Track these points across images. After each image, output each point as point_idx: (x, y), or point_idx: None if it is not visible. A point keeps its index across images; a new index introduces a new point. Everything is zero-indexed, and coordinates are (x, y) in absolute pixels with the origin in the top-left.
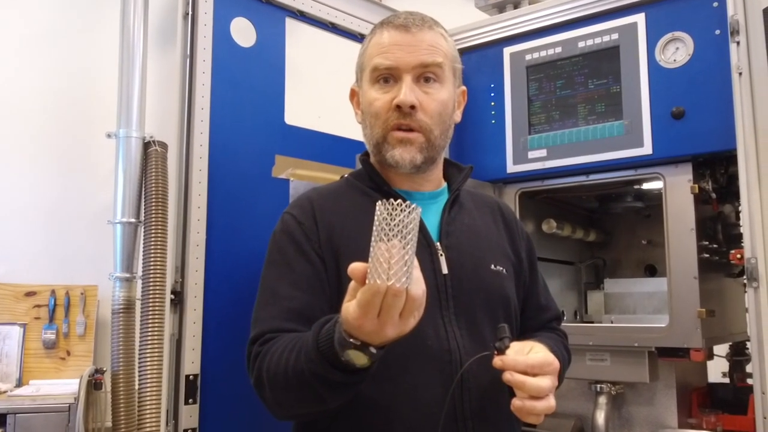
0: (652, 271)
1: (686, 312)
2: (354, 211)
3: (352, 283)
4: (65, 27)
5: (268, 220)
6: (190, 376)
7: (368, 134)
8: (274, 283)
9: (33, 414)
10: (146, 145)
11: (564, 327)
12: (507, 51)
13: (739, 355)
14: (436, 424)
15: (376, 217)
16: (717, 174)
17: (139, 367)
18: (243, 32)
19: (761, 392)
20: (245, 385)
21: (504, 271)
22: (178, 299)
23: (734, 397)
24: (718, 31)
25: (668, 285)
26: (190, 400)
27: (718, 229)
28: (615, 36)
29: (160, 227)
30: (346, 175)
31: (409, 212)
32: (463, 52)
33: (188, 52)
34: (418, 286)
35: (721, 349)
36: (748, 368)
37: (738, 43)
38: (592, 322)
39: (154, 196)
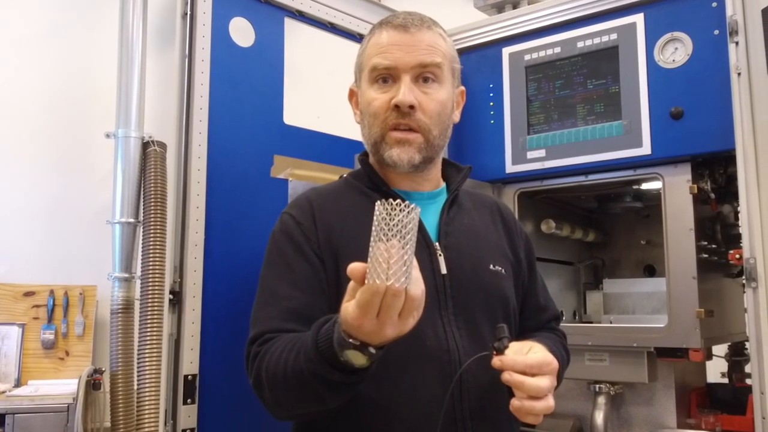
0: (651, 271)
1: (685, 312)
2: (353, 211)
3: (352, 283)
4: (64, 27)
5: (266, 220)
6: (189, 376)
7: (367, 134)
8: (274, 284)
9: (32, 414)
10: (145, 145)
11: (563, 327)
12: (506, 51)
13: (737, 356)
14: (435, 424)
15: (375, 217)
16: (716, 174)
17: (138, 367)
18: (242, 32)
19: (760, 392)
20: (244, 386)
21: (503, 271)
22: (177, 299)
23: (733, 397)
24: (717, 32)
25: (667, 285)
26: (189, 400)
27: (717, 230)
28: (614, 36)
29: (159, 227)
30: (344, 175)
31: (408, 212)
32: (462, 52)
33: (187, 52)
34: (417, 286)
35: (720, 349)
36: (747, 368)
37: (737, 43)
38: (591, 323)
39: (153, 196)
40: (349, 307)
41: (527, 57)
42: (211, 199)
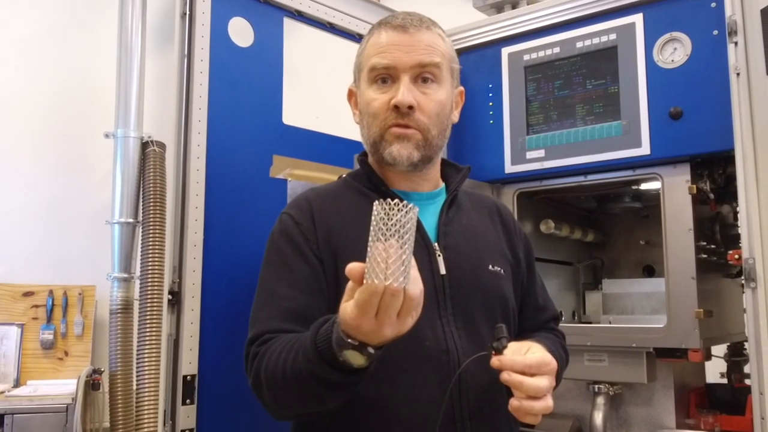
0: (650, 271)
1: (684, 312)
2: (352, 212)
3: (350, 283)
4: (63, 27)
5: (265, 220)
6: (188, 377)
7: (366, 134)
8: (273, 284)
9: (30, 414)
10: (144, 145)
11: (562, 327)
12: (505, 51)
13: (736, 356)
14: (434, 424)
15: (373, 217)
16: (715, 174)
17: (137, 367)
18: (241, 32)
19: (759, 393)
20: (243, 386)
21: (502, 271)
22: (176, 299)
23: (732, 397)
24: (716, 32)
25: (666, 285)
26: (188, 401)
27: (716, 230)
28: (613, 36)
29: (158, 227)
30: (343, 176)
31: (406, 212)
32: (461, 52)
33: (186, 52)
34: (415, 285)
35: (719, 349)
36: (746, 369)
37: (736, 43)
38: (590, 323)
39: (152, 197)
40: (347, 307)
41: (526, 57)
42: (210, 200)
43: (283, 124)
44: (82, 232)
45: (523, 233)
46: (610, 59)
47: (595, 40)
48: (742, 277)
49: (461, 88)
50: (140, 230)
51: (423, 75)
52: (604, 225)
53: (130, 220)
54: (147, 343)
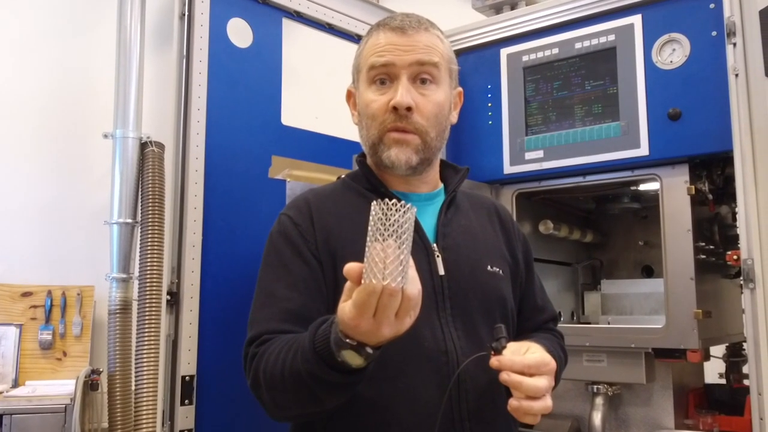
0: (648, 272)
1: (683, 313)
2: (351, 212)
3: (348, 284)
4: (62, 27)
5: (264, 221)
6: (187, 377)
7: (365, 135)
8: (271, 285)
9: (29, 415)
10: (143, 146)
11: (561, 328)
12: (504, 52)
13: (735, 356)
14: (433, 425)
15: (371, 218)
16: (713, 175)
17: (136, 367)
18: (239, 33)
19: (758, 393)
20: (242, 386)
21: (500, 272)
22: (175, 300)
23: (731, 398)
24: (714, 33)
25: (665, 286)
26: (186, 401)
27: (715, 231)
28: (612, 37)
29: (156, 228)
30: (342, 176)
31: (404, 212)
32: (460, 53)
33: (185, 53)
34: (413, 285)
35: (718, 350)
36: (745, 369)
37: (734, 44)
38: (589, 323)
39: (150, 197)
40: (345, 307)
41: (525, 58)
42: (209, 200)
43: (281, 124)
44: (81, 232)
45: (522, 234)
46: (608, 60)
47: (594, 41)
48: (741, 278)
49: (460, 88)
50: (139, 230)
51: (421, 76)
52: (603, 226)
53: (129, 221)
54: (146, 343)
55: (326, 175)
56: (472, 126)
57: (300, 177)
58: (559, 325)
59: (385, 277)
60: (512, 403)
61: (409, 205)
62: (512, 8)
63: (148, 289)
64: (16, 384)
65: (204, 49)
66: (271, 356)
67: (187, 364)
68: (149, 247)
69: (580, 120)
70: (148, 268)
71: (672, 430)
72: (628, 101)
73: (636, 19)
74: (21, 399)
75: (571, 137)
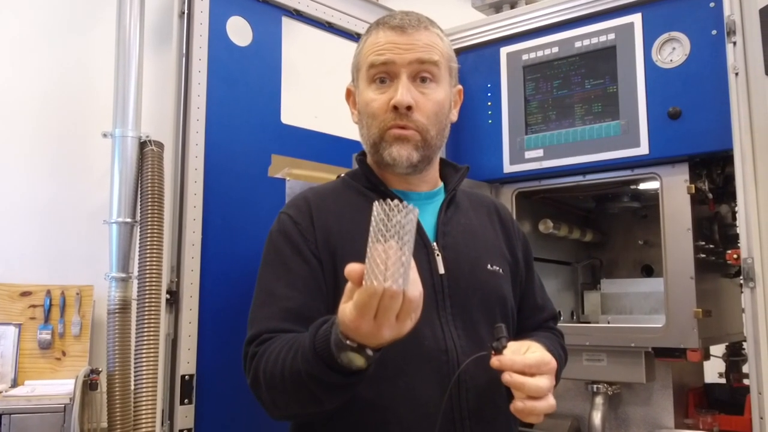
0: (648, 271)
1: (683, 312)
2: (350, 211)
3: (349, 285)
4: (61, 26)
5: (264, 219)
6: (186, 376)
7: (365, 134)
8: (271, 284)
9: (28, 414)
10: (142, 145)
11: (561, 327)
12: (504, 51)
13: (735, 356)
14: (433, 425)
15: (373, 218)
16: (713, 174)
17: (135, 367)
18: (239, 31)
19: (758, 392)
20: (241, 386)
21: (500, 271)
22: (174, 299)
23: (731, 397)
24: (714, 32)
25: (665, 285)
26: (186, 401)
27: (715, 230)
28: (612, 36)
29: (156, 227)
30: (342, 175)
31: (406, 213)
32: (460, 52)
33: (184, 51)
34: (415, 287)
35: (718, 349)
36: (745, 368)
37: (734, 43)
38: (589, 323)
39: (150, 196)
40: (346, 308)
41: (525, 57)
42: (209, 199)
43: (281, 123)
44: (80, 231)
45: (522, 233)
46: (608, 59)
47: (594, 40)
48: (741, 277)
49: (460, 86)
50: (138, 230)
51: (421, 74)
52: (603, 225)
53: (128, 220)
54: (145, 342)
55: (326, 174)
56: (472, 125)
57: (299, 176)
58: (558, 324)
59: (386, 279)
60: (516, 404)
61: (411, 207)
62: (512, 7)
63: (147, 288)
64: (15, 384)
65: (203, 47)
66: (271, 356)
67: (187, 363)
68: (149, 247)
69: (579, 119)
70: (148, 267)
71: (672, 430)
72: (628, 100)
73: (636, 18)
74: (20, 399)
75: (571, 136)
